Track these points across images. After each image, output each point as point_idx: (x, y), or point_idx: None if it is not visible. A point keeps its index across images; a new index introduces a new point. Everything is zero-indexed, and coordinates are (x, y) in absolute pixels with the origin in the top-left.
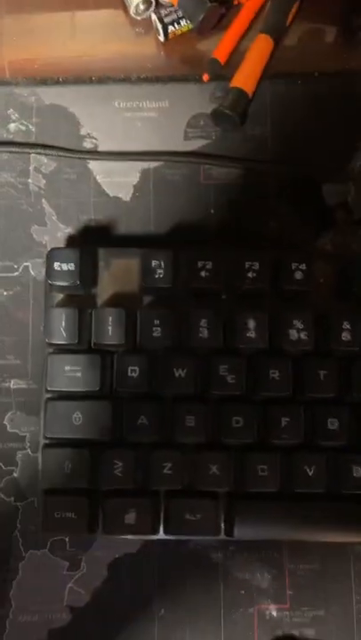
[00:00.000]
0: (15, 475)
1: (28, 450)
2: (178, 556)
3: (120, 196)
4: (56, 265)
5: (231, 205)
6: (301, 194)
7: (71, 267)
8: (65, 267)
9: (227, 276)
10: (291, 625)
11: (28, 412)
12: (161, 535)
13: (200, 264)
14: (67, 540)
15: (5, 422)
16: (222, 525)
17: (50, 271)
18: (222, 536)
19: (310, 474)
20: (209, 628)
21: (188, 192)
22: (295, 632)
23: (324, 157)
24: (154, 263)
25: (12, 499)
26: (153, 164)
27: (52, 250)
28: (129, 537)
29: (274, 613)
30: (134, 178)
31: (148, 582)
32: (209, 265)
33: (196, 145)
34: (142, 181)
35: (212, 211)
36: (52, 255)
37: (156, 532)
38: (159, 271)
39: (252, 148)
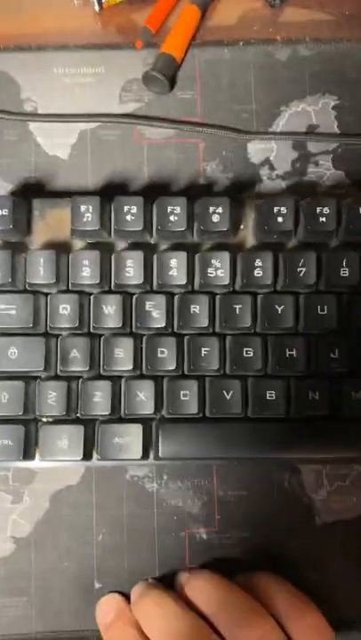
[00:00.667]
0: None
1: None
2: (115, 486)
3: (58, 154)
4: None
5: (162, 163)
6: (228, 152)
7: (5, 212)
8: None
9: (150, 220)
10: (219, 546)
11: None
12: (94, 462)
13: (126, 208)
14: (9, 474)
15: None
16: (152, 451)
17: None
18: (151, 460)
19: (228, 398)
20: (145, 551)
21: (123, 151)
22: (222, 552)
23: (248, 119)
24: (83, 208)
25: None
26: (90, 126)
27: None
28: (66, 464)
29: (204, 536)
30: (72, 139)
31: (86, 512)
32: (134, 209)
33: (130, 108)
34: (80, 142)
35: (145, 168)
36: None
37: (88, 457)
38: (87, 215)
39: (183, 110)
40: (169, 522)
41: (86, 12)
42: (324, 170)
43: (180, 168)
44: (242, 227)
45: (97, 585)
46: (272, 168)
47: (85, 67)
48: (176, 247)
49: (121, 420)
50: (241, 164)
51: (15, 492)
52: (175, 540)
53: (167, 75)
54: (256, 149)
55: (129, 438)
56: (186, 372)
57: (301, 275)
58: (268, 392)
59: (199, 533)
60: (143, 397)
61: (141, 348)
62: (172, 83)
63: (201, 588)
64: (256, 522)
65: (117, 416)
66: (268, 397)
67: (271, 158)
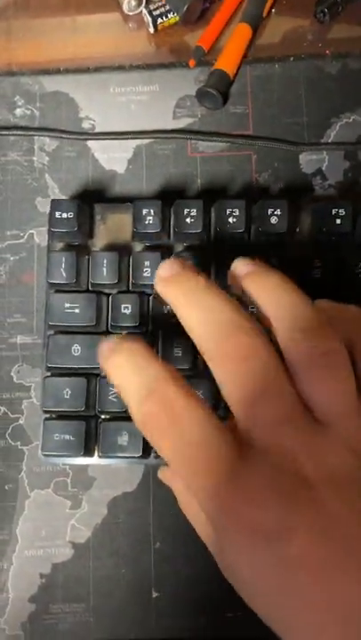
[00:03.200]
0: (21, 422)
1: (33, 399)
2: (172, 493)
3: (115, 168)
4: (57, 214)
5: (215, 175)
6: (280, 163)
7: (70, 215)
8: (65, 215)
9: (208, 223)
10: None
11: (33, 364)
12: (152, 459)
13: (185, 211)
14: (68, 480)
15: (12, 374)
16: None
17: (52, 220)
18: None
19: None
20: (201, 559)
21: (176, 164)
22: None
23: (300, 132)
24: (145, 211)
25: (19, 443)
26: (145, 141)
27: (54, 200)
28: (124, 469)
29: None
30: (128, 154)
31: (144, 519)
32: (193, 212)
33: (183, 123)
34: (135, 156)
35: (198, 180)
36: (53, 205)
37: (147, 454)
38: (149, 218)
39: (235, 125)
40: None
41: (141, 33)
42: None
43: (233, 179)
44: (298, 229)
45: (154, 594)
46: (324, 178)
47: (140, 85)
48: (233, 249)
49: None
50: (293, 175)
51: (74, 497)
52: None
53: (220, 90)
54: (308, 160)
55: None
56: None
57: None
58: None
59: None
60: (200, 396)
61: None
62: (225, 98)
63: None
64: None
65: None
66: None
67: (323, 168)
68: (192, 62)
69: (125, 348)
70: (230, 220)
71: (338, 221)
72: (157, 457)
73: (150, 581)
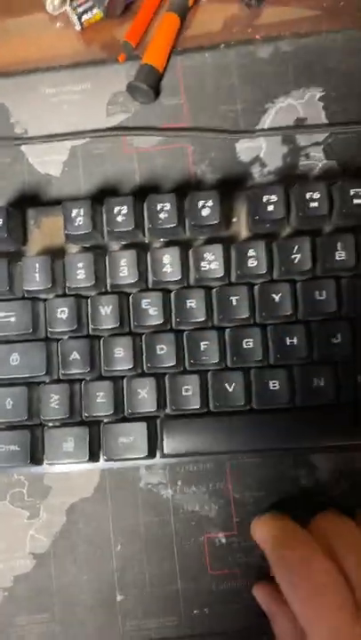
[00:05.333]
0: None
1: None
2: (129, 495)
3: (51, 172)
4: None
5: (153, 170)
6: (217, 153)
7: None
8: None
9: (142, 219)
10: (239, 549)
11: None
12: (102, 463)
13: (117, 209)
14: (24, 490)
15: None
16: (158, 450)
17: None
18: (158, 458)
19: (231, 391)
20: (164, 559)
21: (113, 162)
22: (243, 556)
23: (235, 119)
24: (74, 212)
25: None
26: (80, 142)
27: None
28: (79, 475)
29: (223, 540)
30: (63, 156)
31: (103, 524)
32: (124, 210)
33: (117, 120)
34: (71, 158)
35: (137, 176)
36: None
37: (95, 459)
38: (79, 218)
39: (169, 117)
40: (187, 528)
41: (68, 32)
42: (316, 161)
43: (171, 173)
44: (235, 219)
45: (119, 597)
46: (263, 165)
47: (71, 85)
48: (169, 244)
49: (125, 420)
50: (231, 164)
51: (31, 507)
52: (194, 546)
53: (150, 84)
54: (245, 148)
55: (133, 437)
56: (187, 368)
57: (296, 261)
58: (271, 382)
59: (218, 538)
60: (145, 395)
61: (141, 347)
62: (157, 91)
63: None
64: None
65: (121, 416)
66: (271, 387)
67: (261, 155)
68: (122, 57)
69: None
70: (162, 215)
71: (270, 208)
72: (108, 460)
73: (114, 585)
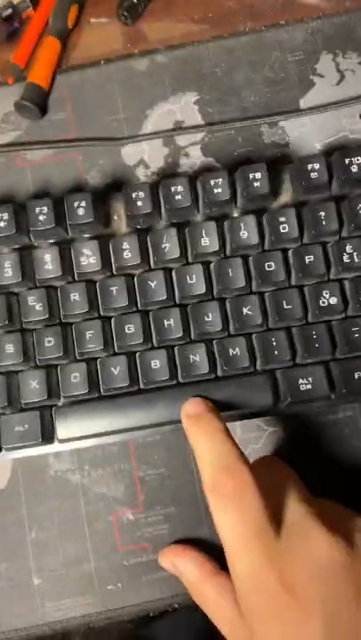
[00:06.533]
0: None
1: None
2: (41, 483)
3: None
4: None
5: (46, 181)
6: (104, 160)
7: None
8: None
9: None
10: (146, 524)
11: None
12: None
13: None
14: None
15: None
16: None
17: None
18: (55, 445)
19: (116, 373)
20: (77, 541)
21: (7, 177)
22: (150, 530)
23: (119, 127)
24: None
25: None
26: None
27: None
28: None
29: (131, 517)
30: None
31: (18, 513)
32: (5, 216)
33: (11, 137)
34: None
35: (31, 187)
36: None
37: None
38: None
39: (58, 131)
40: (96, 509)
41: None
42: (195, 159)
43: (63, 182)
44: (115, 217)
45: (36, 581)
46: (147, 167)
47: None
48: (54, 244)
49: (21, 410)
50: (117, 168)
51: None
52: (104, 525)
53: (36, 101)
54: (129, 153)
55: (29, 425)
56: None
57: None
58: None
59: (126, 515)
60: (36, 385)
61: (32, 342)
62: (44, 108)
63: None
64: (178, 496)
65: (18, 407)
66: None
67: (145, 157)
68: (10, 79)
69: (209, 419)
70: (40, 218)
71: (139, 204)
72: (8, 450)
73: (30, 570)
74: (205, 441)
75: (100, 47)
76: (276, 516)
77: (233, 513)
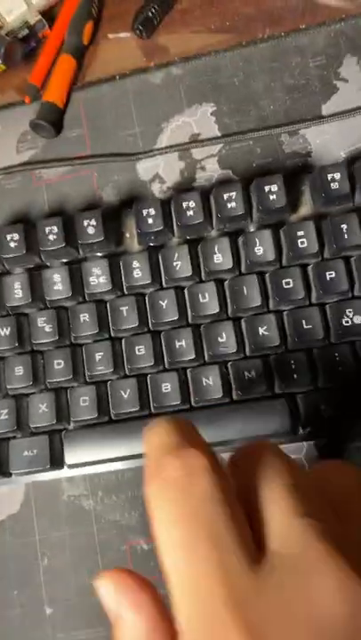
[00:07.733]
0: None
1: None
2: (53, 509)
3: None
4: None
5: (62, 198)
6: (119, 176)
7: None
8: None
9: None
10: None
11: None
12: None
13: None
14: None
15: None
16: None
17: None
18: (65, 470)
19: (126, 397)
20: (89, 570)
21: (23, 196)
22: None
23: (134, 142)
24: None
25: None
26: None
27: None
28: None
29: (145, 547)
30: None
31: (30, 538)
32: (15, 237)
33: (27, 156)
34: None
35: (47, 205)
36: None
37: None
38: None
39: (74, 148)
40: (109, 537)
41: None
42: (212, 172)
43: (78, 199)
44: (127, 235)
45: (48, 610)
46: (162, 181)
47: None
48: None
49: (28, 435)
50: (132, 184)
51: None
52: (118, 555)
53: (49, 119)
54: (144, 168)
55: (37, 450)
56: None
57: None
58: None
59: (140, 544)
60: (45, 409)
61: (42, 364)
62: (59, 126)
63: None
64: None
65: (28, 431)
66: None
67: (160, 172)
68: (27, 99)
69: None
70: (50, 237)
71: (150, 221)
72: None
73: (42, 599)
74: (153, 433)
75: (117, 62)
76: (259, 528)
77: (176, 506)
